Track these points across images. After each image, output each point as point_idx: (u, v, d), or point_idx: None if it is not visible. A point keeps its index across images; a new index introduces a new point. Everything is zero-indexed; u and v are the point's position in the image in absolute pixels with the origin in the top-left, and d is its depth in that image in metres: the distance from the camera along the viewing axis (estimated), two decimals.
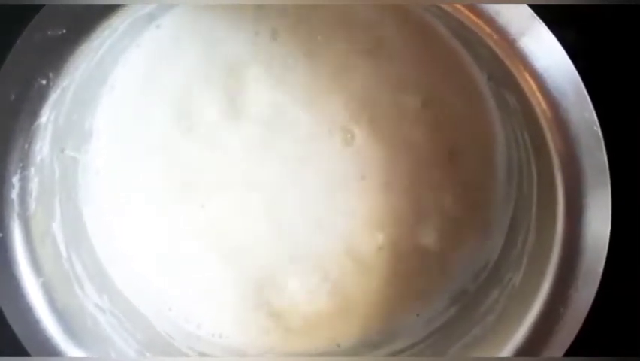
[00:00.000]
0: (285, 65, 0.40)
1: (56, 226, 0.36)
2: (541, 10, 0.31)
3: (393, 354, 0.41)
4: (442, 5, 0.32)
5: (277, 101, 0.40)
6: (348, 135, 0.40)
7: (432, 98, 0.40)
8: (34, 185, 0.34)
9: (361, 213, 0.41)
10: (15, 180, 0.33)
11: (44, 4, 0.31)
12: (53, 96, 0.32)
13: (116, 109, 0.39)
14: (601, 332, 0.36)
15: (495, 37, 0.31)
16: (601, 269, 0.33)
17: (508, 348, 0.35)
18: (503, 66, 0.32)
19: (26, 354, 0.34)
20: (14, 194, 0.33)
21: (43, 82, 0.32)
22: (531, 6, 0.31)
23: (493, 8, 0.31)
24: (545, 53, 0.31)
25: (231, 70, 0.40)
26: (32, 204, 0.34)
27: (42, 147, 0.34)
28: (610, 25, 0.40)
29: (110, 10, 0.31)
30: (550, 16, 0.31)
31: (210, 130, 0.40)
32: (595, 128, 0.32)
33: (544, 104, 0.32)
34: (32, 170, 0.33)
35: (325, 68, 0.40)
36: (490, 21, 0.31)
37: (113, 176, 0.40)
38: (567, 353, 0.34)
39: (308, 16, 0.39)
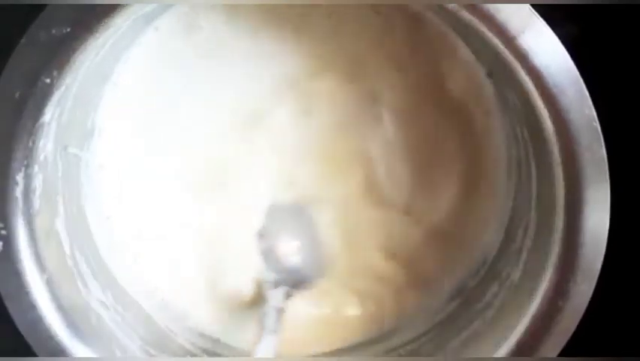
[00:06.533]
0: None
1: (60, 224, 0.36)
2: (540, 8, 0.31)
3: (394, 348, 0.41)
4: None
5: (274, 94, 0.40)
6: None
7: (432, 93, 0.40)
8: (38, 182, 0.33)
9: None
10: (19, 177, 0.32)
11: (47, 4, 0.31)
12: (57, 94, 0.32)
13: (117, 106, 0.39)
14: (599, 328, 0.36)
15: (495, 33, 0.31)
16: (600, 263, 0.33)
17: (508, 342, 0.35)
18: (503, 63, 0.32)
19: (30, 351, 0.34)
20: (18, 192, 0.33)
21: (48, 80, 0.31)
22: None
23: (493, 5, 0.31)
24: (545, 49, 0.31)
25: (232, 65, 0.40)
26: (36, 202, 0.33)
27: (46, 145, 0.33)
28: (609, 22, 0.40)
29: (114, 8, 0.31)
30: (549, 13, 0.31)
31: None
32: (594, 123, 0.32)
33: (543, 101, 0.32)
34: (36, 167, 0.33)
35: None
36: (490, 18, 0.31)
37: (114, 173, 0.40)
38: (565, 348, 0.34)
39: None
